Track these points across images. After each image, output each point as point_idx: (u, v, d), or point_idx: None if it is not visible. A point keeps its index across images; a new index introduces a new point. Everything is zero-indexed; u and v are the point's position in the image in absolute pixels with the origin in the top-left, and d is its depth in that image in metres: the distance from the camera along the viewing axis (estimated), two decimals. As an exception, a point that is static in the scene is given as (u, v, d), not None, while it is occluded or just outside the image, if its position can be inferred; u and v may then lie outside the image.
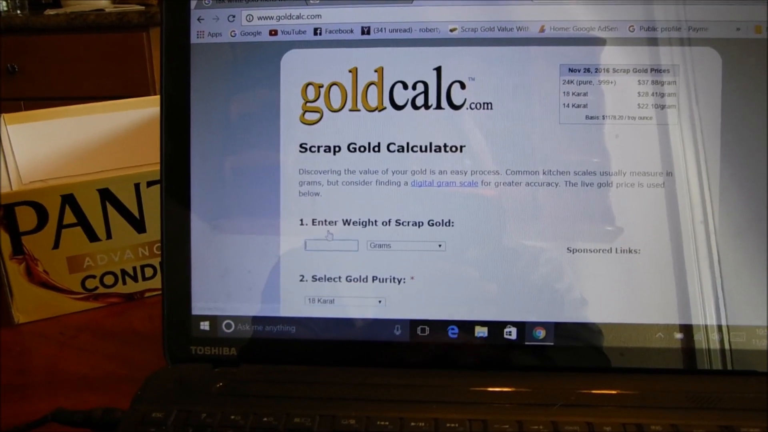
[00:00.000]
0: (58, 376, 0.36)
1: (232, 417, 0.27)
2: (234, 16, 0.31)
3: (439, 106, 0.30)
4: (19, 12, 1.42)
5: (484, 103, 0.30)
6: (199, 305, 0.32)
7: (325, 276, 0.31)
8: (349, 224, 0.31)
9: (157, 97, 0.56)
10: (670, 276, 0.30)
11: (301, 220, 0.31)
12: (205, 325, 0.32)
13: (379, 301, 0.31)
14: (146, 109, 0.56)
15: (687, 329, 0.30)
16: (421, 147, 0.30)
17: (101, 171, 0.54)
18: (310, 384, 0.29)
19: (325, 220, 0.31)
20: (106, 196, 0.40)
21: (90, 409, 0.29)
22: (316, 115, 0.30)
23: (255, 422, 0.27)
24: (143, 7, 1.38)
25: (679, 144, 0.30)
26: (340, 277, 0.31)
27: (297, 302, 0.31)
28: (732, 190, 0.30)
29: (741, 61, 0.30)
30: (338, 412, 0.27)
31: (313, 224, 0.31)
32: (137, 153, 0.55)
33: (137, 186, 0.40)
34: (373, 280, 0.31)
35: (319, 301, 0.31)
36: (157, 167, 0.40)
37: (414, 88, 0.30)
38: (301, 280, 0.31)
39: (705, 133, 0.30)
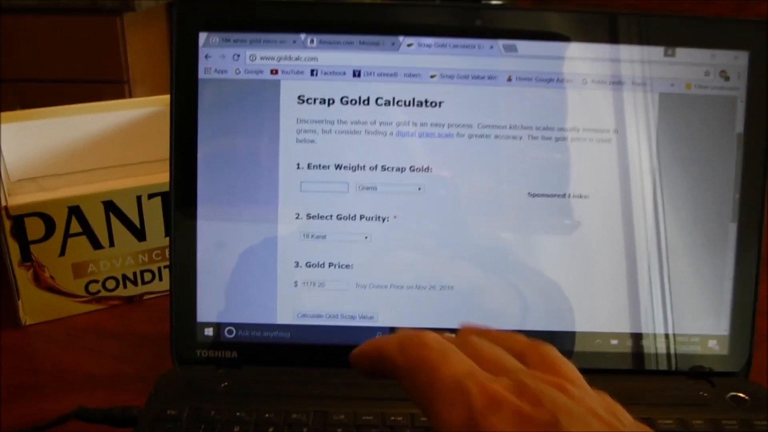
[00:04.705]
0: (67, 375, 0.39)
1: (238, 414, 0.31)
2: (238, 55, 0.35)
3: None
4: (-15, -9, 1.38)
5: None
6: (204, 313, 0.36)
7: (318, 214, 0.35)
8: (340, 168, 0.35)
9: (148, 99, 0.59)
10: (624, 290, 0.36)
11: (298, 164, 0.35)
12: (209, 331, 0.36)
13: (366, 237, 0.35)
14: (134, 111, 0.58)
15: (637, 336, 0.36)
16: (405, 102, 0.35)
17: (90, 170, 0.57)
18: (305, 384, 0.34)
19: (320, 165, 0.35)
20: (110, 207, 0.43)
21: (109, 408, 0.33)
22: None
23: (258, 418, 0.31)
24: (116, -8, 1.36)
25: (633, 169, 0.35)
26: (331, 216, 0.35)
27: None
28: (679, 213, 0.36)
29: (673, 110, 0.35)
30: (329, 409, 0.32)
31: (308, 168, 0.35)
32: (127, 153, 0.57)
33: (139, 198, 0.43)
34: (361, 218, 0.35)
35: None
36: (157, 180, 0.44)
37: None
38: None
39: (653, 161, 0.35)
